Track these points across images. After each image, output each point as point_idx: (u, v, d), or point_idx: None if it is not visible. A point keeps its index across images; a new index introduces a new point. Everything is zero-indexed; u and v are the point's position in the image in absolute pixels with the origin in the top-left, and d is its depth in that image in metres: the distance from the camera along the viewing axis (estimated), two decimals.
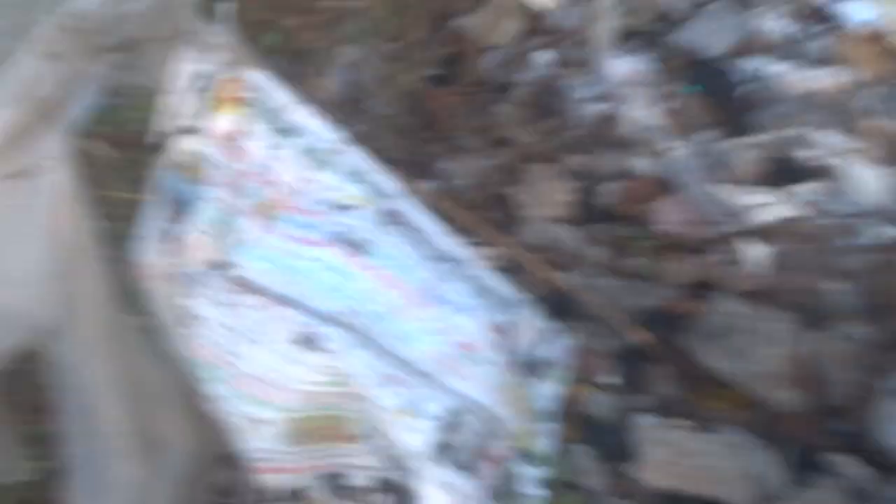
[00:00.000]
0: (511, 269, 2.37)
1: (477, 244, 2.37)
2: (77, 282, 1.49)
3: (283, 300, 1.65)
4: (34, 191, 1.40)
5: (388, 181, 1.90)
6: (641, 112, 2.81)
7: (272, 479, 1.76)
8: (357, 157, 1.85)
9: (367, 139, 2.65)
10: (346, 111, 2.65)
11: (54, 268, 1.43)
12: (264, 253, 1.68)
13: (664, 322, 2.22)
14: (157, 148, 1.65)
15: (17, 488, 1.76)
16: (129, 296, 1.62)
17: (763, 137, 2.72)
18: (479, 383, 1.80)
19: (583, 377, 2.15)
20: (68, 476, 1.54)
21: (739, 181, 2.46)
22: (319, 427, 1.72)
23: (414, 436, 1.65)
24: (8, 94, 1.32)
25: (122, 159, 2.19)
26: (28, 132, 1.37)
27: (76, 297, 1.49)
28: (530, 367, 2.06)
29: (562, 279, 2.26)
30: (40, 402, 1.83)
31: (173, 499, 1.69)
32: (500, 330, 1.95)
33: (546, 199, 2.48)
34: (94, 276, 1.51)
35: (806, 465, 1.96)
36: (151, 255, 1.64)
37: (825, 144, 2.55)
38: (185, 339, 1.68)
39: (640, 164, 2.67)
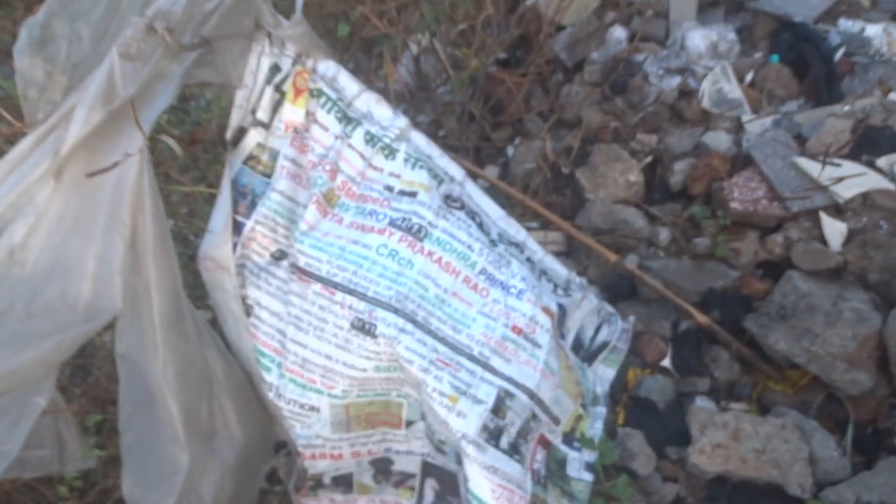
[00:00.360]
0: (571, 253, 2.38)
1: (538, 228, 2.40)
2: (144, 274, 1.49)
3: (343, 287, 1.68)
4: (110, 187, 1.42)
5: (451, 167, 1.92)
6: (720, 85, 2.74)
7: (319, 466, 1.83)
8: (421, 144, 1.86)
9: (433, 126, 2.72)
10: (413, 99, 2.71)
11: (124, 261, 1.44)
12: (326, 241, 1.72)
13: (730, 303, 2.18)
14: (229, 143, 1.74)
15: (77, 476, 1.86)
16: (191, 288, 1.67)
17: (852, 106, 2.61)
18: (530, 367, 1.79)
19: (639, 360, 2.14)
20: (125, 463, 1.56)
21: (822, 154, 2.37)
22: (369, 413, 1.77)
23: (461, 420, 1.66)
24: (92, 94, 1.35)
25: (193, 155, 2.31)
26: (110, 131, 1.41)
27: (142, 289, 1.50)
28: (585, 351, 2.07)
29: (624, 261, 2.25)
30: (101, 392, 1.97)
31: (224, 485, 1.71)
32: (557, 313, 1.94)
33: (612, 180, 2.46)
34: (161, 269, 1.50)
35: (869, 449, 1.91)
36: (217, 248, 1.74)
37: None
38: (245, 328, 1.78)
39: (715, 139, 2.62)
